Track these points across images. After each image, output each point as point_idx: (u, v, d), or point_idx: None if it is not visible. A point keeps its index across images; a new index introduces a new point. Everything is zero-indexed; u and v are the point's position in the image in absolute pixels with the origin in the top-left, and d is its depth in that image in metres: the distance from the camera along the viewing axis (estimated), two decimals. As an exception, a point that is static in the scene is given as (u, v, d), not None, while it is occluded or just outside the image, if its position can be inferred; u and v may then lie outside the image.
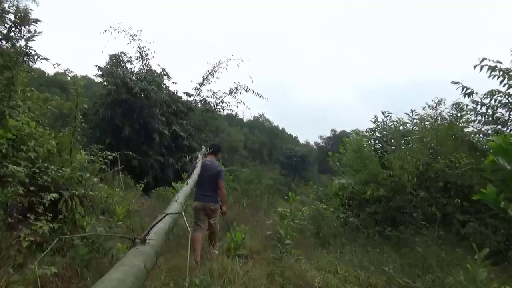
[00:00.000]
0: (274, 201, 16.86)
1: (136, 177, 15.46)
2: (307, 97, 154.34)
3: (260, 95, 18.85)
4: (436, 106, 7.02)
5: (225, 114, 23.37)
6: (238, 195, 13.16)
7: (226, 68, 19.07)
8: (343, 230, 6.12)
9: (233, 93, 18.91)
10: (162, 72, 18.10)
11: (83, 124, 6.19)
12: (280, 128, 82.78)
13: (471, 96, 6.68)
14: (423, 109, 7.18)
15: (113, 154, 6.29)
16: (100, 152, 5.97)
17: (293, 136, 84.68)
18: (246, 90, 18.81)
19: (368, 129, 7.62)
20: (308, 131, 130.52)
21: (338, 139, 76.46)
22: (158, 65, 18.43)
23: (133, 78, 16.48)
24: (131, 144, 15.81)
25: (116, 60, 17.74)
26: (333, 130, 79.04)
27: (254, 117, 69.13)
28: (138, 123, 15.87)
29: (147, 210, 6.92)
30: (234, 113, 21.52)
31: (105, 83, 16.43)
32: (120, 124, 15.32)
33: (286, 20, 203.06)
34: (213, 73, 19.08)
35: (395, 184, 6.27)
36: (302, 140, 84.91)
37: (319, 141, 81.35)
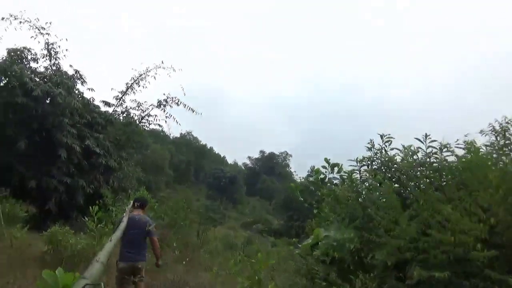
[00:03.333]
0: (206, 232, 14.71)
1: (33, 203, 12.44)
2: (234, 117, 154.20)
3: (193, 110, 16.79)
4: (505, 133, 3.60)
5: (150, 129, 20.71)
6: (164, 227, 10.85)
7: (154, 77, 16.78)
8: None
9: (162, 105, 16.64)
10: (75, 75, 15.09)
11: None
12: (208, 147, 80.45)
13: None
14: (482, 134, 3.82)
15: None
16: None
17: (221, 156, 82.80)
18: (177, 103, 16.67)
19: (363, 159, 4.34)
20: (236, 151, 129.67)
21: (266, 161, 77.19)
22: (70, 66, 15.28)
23: (36, 78, 13.31)
24: (28, 160, 12.58)
25: (16, 57, 14.39)
26: (262, 152, 79.58)
27: (181, 134, 65.48)
28: (39, 134, 12.70)
29: None
30: (160, 129, 19.02)
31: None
32: (13, 135, 12.05)
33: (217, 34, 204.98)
34: (139, 81, 16.61)
35: (456, 256, 3.00)
36: (230, 161, 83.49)
37: (248, 162, 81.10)
